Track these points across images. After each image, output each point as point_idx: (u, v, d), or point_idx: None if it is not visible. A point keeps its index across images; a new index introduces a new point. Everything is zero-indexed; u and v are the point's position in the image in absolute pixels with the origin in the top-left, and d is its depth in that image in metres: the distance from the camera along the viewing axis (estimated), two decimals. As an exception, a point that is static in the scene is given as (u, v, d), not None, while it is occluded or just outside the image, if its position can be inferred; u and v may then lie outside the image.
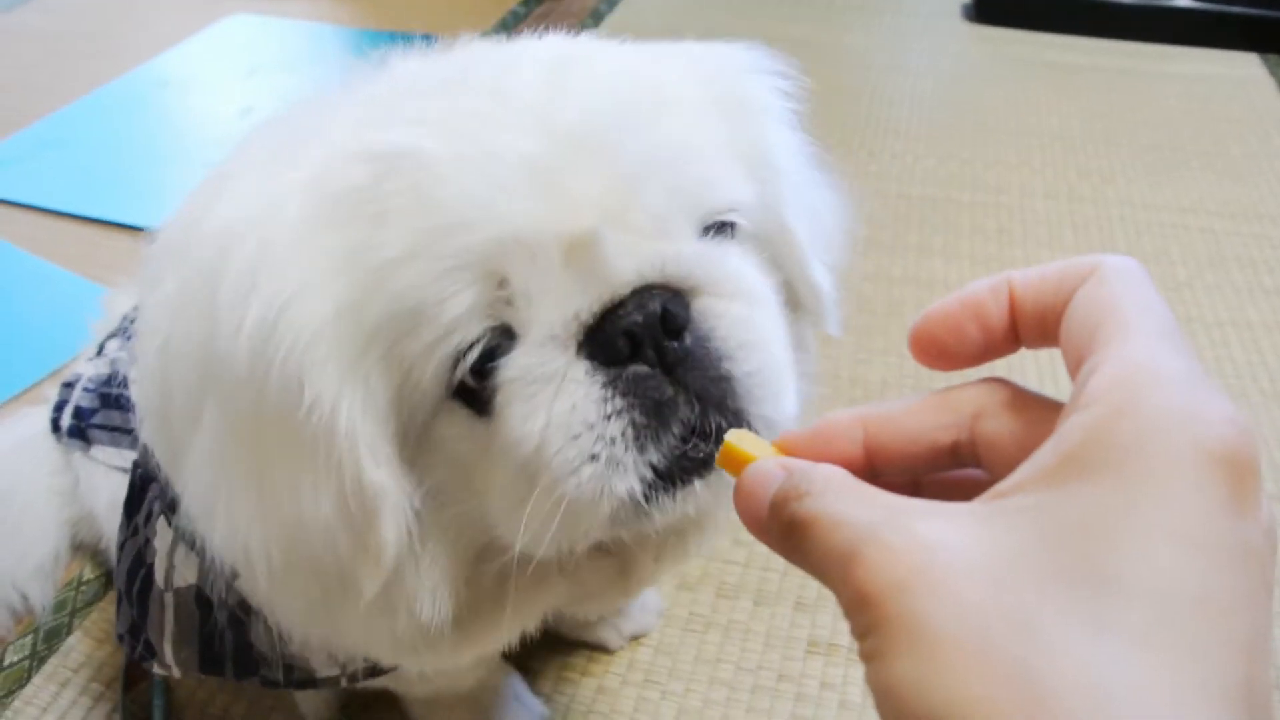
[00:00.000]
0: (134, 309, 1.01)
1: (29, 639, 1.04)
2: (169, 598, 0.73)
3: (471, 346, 0.47)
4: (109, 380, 0.98)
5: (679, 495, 0.50)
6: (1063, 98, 2.12)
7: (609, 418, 0.47)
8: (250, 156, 0.56)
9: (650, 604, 1.04)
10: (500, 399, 0.48)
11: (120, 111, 2.10)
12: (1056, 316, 0.38)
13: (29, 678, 1.01)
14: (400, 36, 0.60)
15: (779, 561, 1.10)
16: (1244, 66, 2.23)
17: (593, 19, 2.33)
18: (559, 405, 0.47)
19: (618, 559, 0.61)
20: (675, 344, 0.48)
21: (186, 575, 0.72)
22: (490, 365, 0.48)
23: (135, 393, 0.62)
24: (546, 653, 1.02)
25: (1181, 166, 1.88)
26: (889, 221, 1.70)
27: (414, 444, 0.51)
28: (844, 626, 1.03)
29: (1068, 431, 0.33)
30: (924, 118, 2.06)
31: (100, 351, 1.01)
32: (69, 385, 1.03)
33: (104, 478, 0.97)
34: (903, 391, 1.36)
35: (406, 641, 0.55)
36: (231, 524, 0.51)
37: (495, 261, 0.46)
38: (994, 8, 2.43)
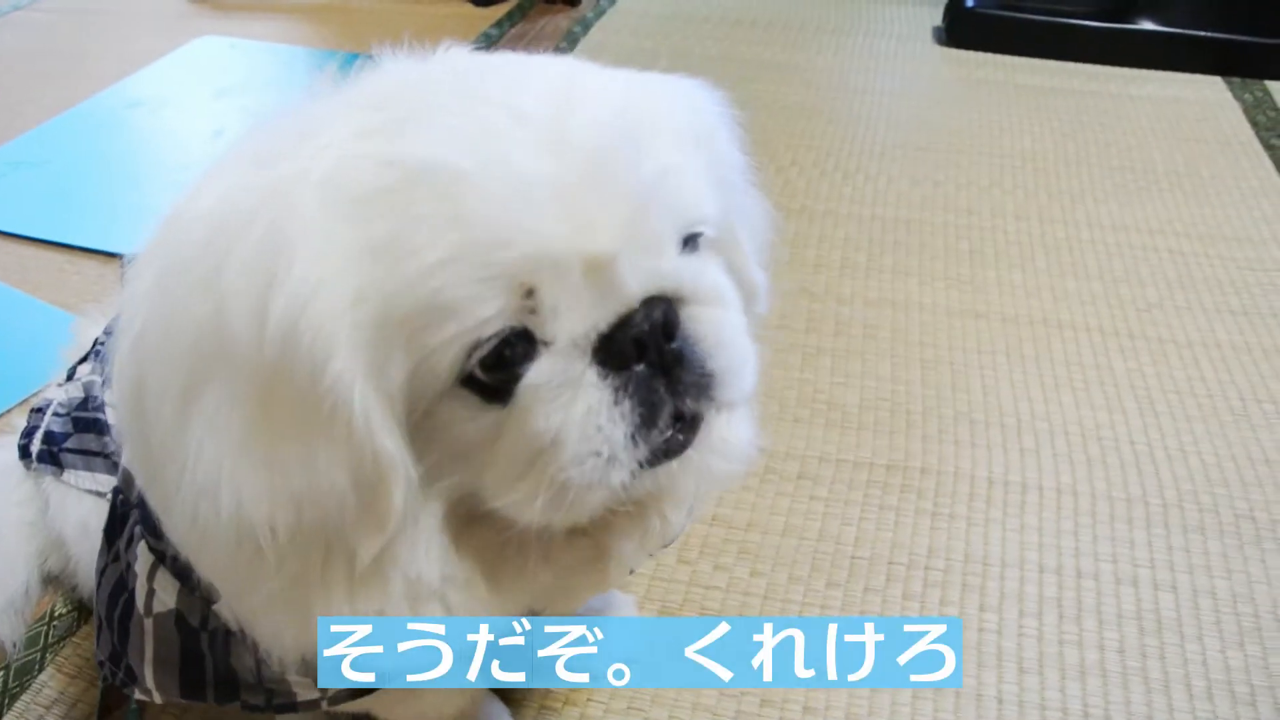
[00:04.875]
0: (105, 332, 1.00)
1: (0, 675, 1.02)
2: (149, 624, 0.73)
3: (489, 340, 0.53)
4: (82, 404, 0.96)
5: (656, 472, 0.58)
6: (1033, 120, 2.15)
7: (616, 420, 0.55)
8: (238, 157, 0.58)
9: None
10: (523, 399, 0.55)
11: (90, 133, 2.09)
12: None
13: (1, 715, 0.99)
14: (369, 59, 0.61)
15: (758, 587, 1.11)
16: (1208, 89, 2.27)
17: (567, 41, 2.33)
18: (577, 407, 0.54)
19: (592, 540, 0.66)
20: (672, 345, 0.56)
21: (166, 600, 0.72)
22: (502, 359, 0.54)
23: (113, 400, 0.64)
24: (527, 681, 1.01)
25: (1150, 188, 1.91)
26: (864, 244, 1.72)
27: (414, 425, 0.56)
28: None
29: None
30: (897, 140, 2.08)
31: (71, 376, 0.99)
32: (39, 411, 1.01)
33: (75, 501, 0.95)
34: (878, 415, 1.37)
35: (392, 608, 0.59)
36: (237, 496, 0.53)
37: (526, 275, 0.52)
38: (964, 31, 2.47)
